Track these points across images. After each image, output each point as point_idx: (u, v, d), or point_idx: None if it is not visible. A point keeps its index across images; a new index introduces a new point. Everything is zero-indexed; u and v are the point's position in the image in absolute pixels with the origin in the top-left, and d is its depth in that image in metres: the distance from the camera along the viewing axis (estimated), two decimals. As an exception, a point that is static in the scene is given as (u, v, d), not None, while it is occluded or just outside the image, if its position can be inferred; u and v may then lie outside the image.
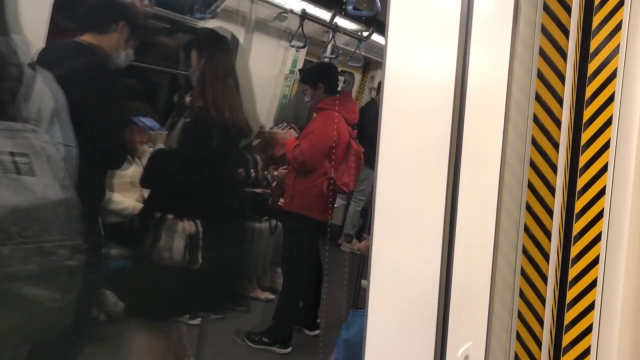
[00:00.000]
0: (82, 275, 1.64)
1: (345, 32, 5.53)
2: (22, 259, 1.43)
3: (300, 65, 5.71)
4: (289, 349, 3.99)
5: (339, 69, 5.75)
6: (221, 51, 2.86)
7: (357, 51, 5.76)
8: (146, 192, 3.05)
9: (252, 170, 4.66)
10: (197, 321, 3.53)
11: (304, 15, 4.83)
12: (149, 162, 2.82)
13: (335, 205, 4.72)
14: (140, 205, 3.25)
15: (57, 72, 1.83)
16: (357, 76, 7.22)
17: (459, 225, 1.17)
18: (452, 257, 1.14)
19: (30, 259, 1.45)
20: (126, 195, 3.32)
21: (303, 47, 5.33)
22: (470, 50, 1.18)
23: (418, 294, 1.15)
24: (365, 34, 5.58)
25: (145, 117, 3.04)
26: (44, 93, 1.65)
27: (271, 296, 4.67)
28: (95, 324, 2.68)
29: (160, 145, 2.84)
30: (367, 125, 5.08)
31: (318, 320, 4.28)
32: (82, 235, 1.60)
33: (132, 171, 3.19)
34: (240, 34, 4.53)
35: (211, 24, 4.00)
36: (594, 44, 1.66)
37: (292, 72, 5.73)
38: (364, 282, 4.53)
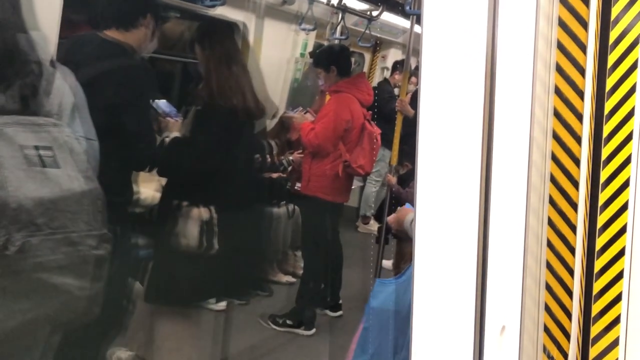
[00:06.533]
0: (111, 265, 1.66)
1: (354, 12, 5.49)
2: (51, 249, 1.45)
3: (310, 48, 5.69)
4: (313, 330, 4.01)
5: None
6: (222, 38, 2.84)
7: (367, 31, 5.72)
8: (164, 182, 3.05)
9: (267, 156, 4.66)
10: (223, 306, 3.57)
11: (313, -3, 4.81)
12: (166, 151, 2.81)
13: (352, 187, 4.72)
14: (158, 195, 3.27)
15: (85, 71, 1.84)
16: (367, 56, 7.19)
17: (493, 197, 1.20)
18: (488, 220, 1.18)
19: (58, 249, 1.47)
20: (145, 186, 3.34)
21: (313, 29, 5.31)
22: (498, 28, 1.20)
23: (458, 269, 1.19)
24: (374, 13, 5.55)
25: (162, 101, 3.03)
26: (64, 88, 1.66)
27: (292, 279, 4.70)
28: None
29: (176, 134, 2.84)
30: (381, 106, 5.06)
31: (340, 302, 4.30)
32: (107, 224, 1.61)
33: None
34: (250, 19, 4.52)
35: (221, 10, 3.99)
36: (615, 10, 1.63)
37: (302, 55, 5.71)
38: (385, 262, 4.57)
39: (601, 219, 1.65)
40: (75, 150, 1.53)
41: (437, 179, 1.12)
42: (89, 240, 1.51)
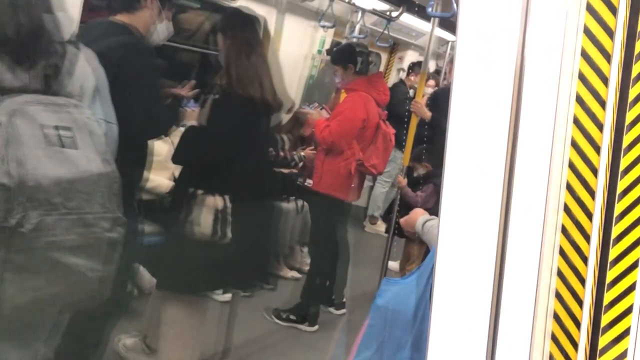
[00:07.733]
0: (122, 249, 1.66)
1: (374, 12, 5.48)
2: (65, 229, 1.46)
3: (327, 45, 5.69)
4: (316, 327, 4.01)
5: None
6: (243, 29, 2.85)
7: (386, 31, 5.71)
8: (177, 171, 3.07)
9: (280, 150, 4.67)
10: (228, 298, 3.59)
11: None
12: (181, 139, 2.83)
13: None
14: (171, 184, 3.28)
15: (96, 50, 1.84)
16: (384, 57, 7.18)
17: (513, 204, 1.23)
18: (508, 225, 1.21)
19: (72, 230, 1.48)
20: (158, 174, 3.35)
21: (332, 27, 5.31)
22: (528, 35, 1.21)
23: (476, 272, 1.21)
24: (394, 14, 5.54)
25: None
26: (86, 70, 1.67)
27: (298, 275, 4.70)
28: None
29: (193, 122, 2.85)
30: (395, 106, 5.04)
31: (344, 300, 4.30)
32: (122, 208, 1.62)
33: (165, 150, 3.21)
34: (270, 13, 4.52)
35: (242, 3, 4.00)
36: (642, 22, 1.61)
37: (319, 52, 5.70)
38: (391, 263, 4.54)
39: (616, 230, 1.64)
40: (95, 132, 1.54)
41: (464, 184, 1.13)
42: (103, 222, 1.52)
